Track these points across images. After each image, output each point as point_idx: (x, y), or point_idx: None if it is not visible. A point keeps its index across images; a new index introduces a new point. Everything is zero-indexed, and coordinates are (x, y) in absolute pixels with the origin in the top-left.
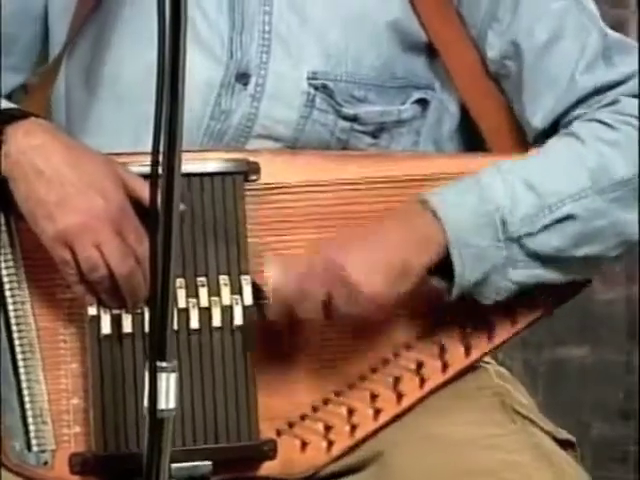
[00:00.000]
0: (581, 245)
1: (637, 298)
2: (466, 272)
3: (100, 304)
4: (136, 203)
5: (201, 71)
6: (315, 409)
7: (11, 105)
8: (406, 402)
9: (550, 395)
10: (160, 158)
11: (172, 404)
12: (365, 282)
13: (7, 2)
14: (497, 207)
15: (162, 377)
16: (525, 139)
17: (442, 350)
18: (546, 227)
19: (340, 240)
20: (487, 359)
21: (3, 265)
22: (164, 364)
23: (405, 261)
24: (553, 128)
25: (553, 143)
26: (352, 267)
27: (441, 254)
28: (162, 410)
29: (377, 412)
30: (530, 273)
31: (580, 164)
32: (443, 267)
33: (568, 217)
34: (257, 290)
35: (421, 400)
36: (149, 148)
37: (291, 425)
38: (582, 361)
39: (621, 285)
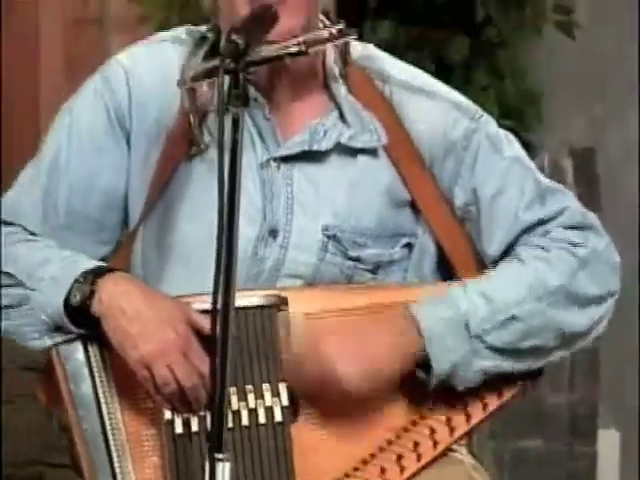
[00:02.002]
0: (526, 339)
1: (576, 402)
2: (440, 363)
3: (174, 410)
4: (197, 332)
5: (242, 230)
6: None
7: (101, 264)
8: (407, 474)
9: (513, 477)
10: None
11: None
12: (343, 374)
13: (94, 194)
14: (461, 313)
15: (219, 466)
16: (484, 268)
17: (432, 431)
18: (498, 326)
19: (338, 334)
20: (463, 453)
21: (99, 385)
22: (220, 455)
23: (381, 366)
24: (503, 257)
25: (502, 264)
26: (338, 359)
27: (418, 355)
28: None
29: None
30: (490, 363)
31: (521, 278)
32: (423, 363)
33: (513, 318)
34: (291, 394)
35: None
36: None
37: None
38: (537, 450)
39: (565, 392)
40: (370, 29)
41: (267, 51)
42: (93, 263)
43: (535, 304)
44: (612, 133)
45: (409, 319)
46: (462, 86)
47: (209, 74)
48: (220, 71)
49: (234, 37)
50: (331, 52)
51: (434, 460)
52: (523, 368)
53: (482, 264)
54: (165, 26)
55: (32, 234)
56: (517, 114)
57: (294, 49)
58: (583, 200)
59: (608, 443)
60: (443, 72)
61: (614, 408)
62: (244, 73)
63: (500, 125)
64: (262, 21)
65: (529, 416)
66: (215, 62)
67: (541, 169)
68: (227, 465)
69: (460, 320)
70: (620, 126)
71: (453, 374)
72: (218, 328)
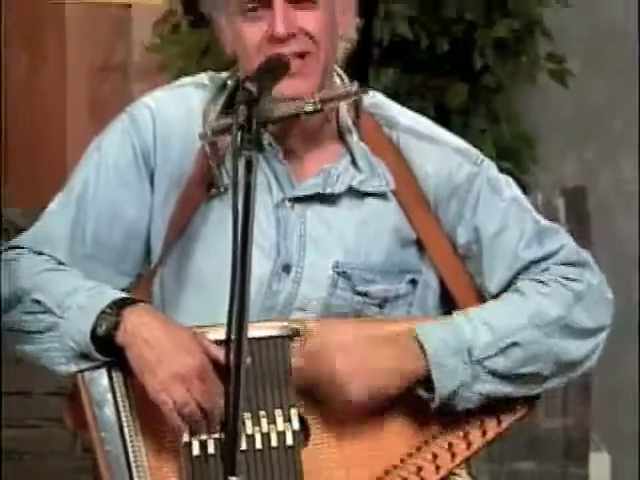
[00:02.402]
0: (525, 365)
1: (569, 427)
2: (443, 385)
3: (192, 432)
4: (212, 361)
5: (257, 264)
6: None
7: (125, 295)
8: None
9: None
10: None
11: None
12: (348, 387)
13: (119, 224)
14: (465, 340)
15: None
16: (484, 302)
17: (434, 457)
18: (499, 352)
19: (347, 350)
20: (463, 476)
21: (122, 410)
22: (234, 478)
23: (384, 382)
24: (503, 292)
25: (504, 296)
26: (345, 374)
27: (420, 375)
28: None
29: None
30: (489, 387)
31: (522, 309)
32: (426, 383)
33: (514, 344)
34: (302, 419)
35: None
36: (220, 322)
37: None
38: (532, 472)
39: (558, 417)
40: (374, 77)
41: (284, 108)
42: (118, 294)
43: (535, 332)
44: (603, 175)
45: (414, 340)
46: (461, 130)
47: (228, 129)
48: (234, 127)
49: (248, 85)
50: (344, 104)
51: None
52: (520, 393)
53: (482, 299)
54: (183, 74)
55: (60, 263)
56: (513, 155)
57: (310, 107)
58: (574, 236)
59: (599, 466)
60: (443, 117)
61: (605, 432)
62: (259, 126)
63: (497, 165)
64: (274, 69)
65: (524, 440)
66: (230, 120)
67: (535, 208)
68: None
69: (463, 346)
70: (610, 168)
71: (454, 396)
72: (232, 357)
